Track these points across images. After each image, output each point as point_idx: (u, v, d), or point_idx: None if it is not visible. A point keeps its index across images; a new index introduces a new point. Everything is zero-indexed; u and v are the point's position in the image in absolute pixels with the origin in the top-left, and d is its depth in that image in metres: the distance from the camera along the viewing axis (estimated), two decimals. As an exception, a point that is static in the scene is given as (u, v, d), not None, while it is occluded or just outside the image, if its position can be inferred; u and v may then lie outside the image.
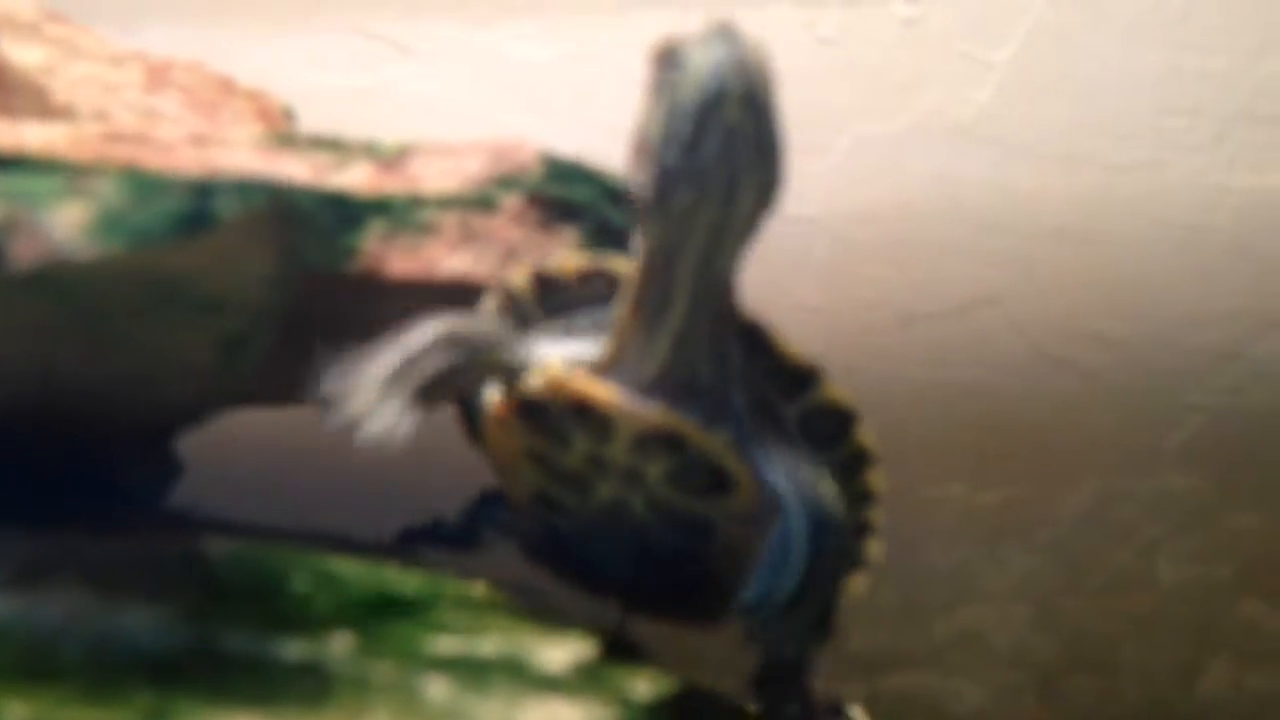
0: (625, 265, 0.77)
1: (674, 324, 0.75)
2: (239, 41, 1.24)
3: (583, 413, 0.75)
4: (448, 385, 0.74)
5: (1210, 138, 1.26)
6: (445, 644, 0.61)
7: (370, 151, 0.79)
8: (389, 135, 1.32)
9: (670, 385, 0.75)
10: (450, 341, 0.74)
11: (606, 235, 0.83)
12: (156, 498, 0.88)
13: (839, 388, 0.82)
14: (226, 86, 1.04)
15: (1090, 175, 1.28)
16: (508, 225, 0.80)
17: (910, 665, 1.28)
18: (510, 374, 0.76)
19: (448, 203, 0.78)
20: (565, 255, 0.79)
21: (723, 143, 0.71)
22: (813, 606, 0.76)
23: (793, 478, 0.76)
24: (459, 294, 0.77)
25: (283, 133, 0.81)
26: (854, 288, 1.25)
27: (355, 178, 0.76)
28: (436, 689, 0.60)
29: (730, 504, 0.76)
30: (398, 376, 0.71)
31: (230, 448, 1.02)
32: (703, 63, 0.71)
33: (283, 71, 1.25)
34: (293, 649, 0.58)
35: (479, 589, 0.72)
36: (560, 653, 0.63)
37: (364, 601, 0.63)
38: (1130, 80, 1.26)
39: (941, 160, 1.33)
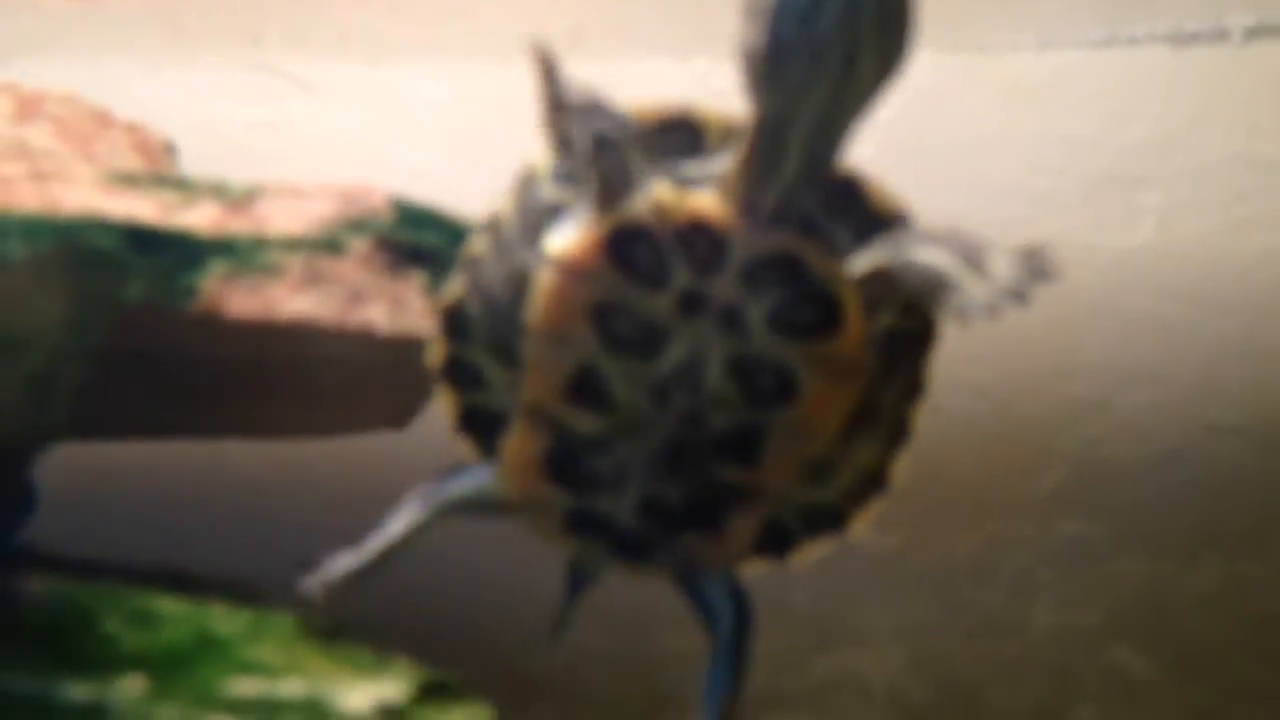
0: (712, 114, 0.75)
1: (785, 182, 0.72)
2: (133, 74, 1.25)
3: (693, 237, 0.71)
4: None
5: (1077, 199, 1.30)
6: (246, 685, 0.61)
7: (218, 192, 0.80)
8: (285, 170, 1.34)
9: (782, 222, 0.72)
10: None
11: (455, 280, 0.85)
12: (5, 531, 0.88)
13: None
14: (103, 119, 1.05)
15: (964, 230, 1.32)
16: (354, 268, 0.81)
17: (790, 707, 1.30)
18: (612, 196, 0.71)
19: (294, 245, 0.79)
20: (644, 101, 0.76)
21: (843, 11, 0.68)
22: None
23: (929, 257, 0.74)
24: (302, 335, 0.79)
25: (129, 171, 0.82)
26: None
27: (200, 217, 0.78)
28: (221, 732, 0.59)
29: (833, 348, 0.73)
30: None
31: (101, 479, 1.03)
32: None
33: (178, 105, 1.27)
34: (79, 691, 0.58)
35: (306, 626, 0.73)
36: (365, 694, 0.64)
37: (175, 642, 0.63)
38: (1003, 142, 1.31)
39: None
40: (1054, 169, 1.32)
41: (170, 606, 0.67)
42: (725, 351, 0.73)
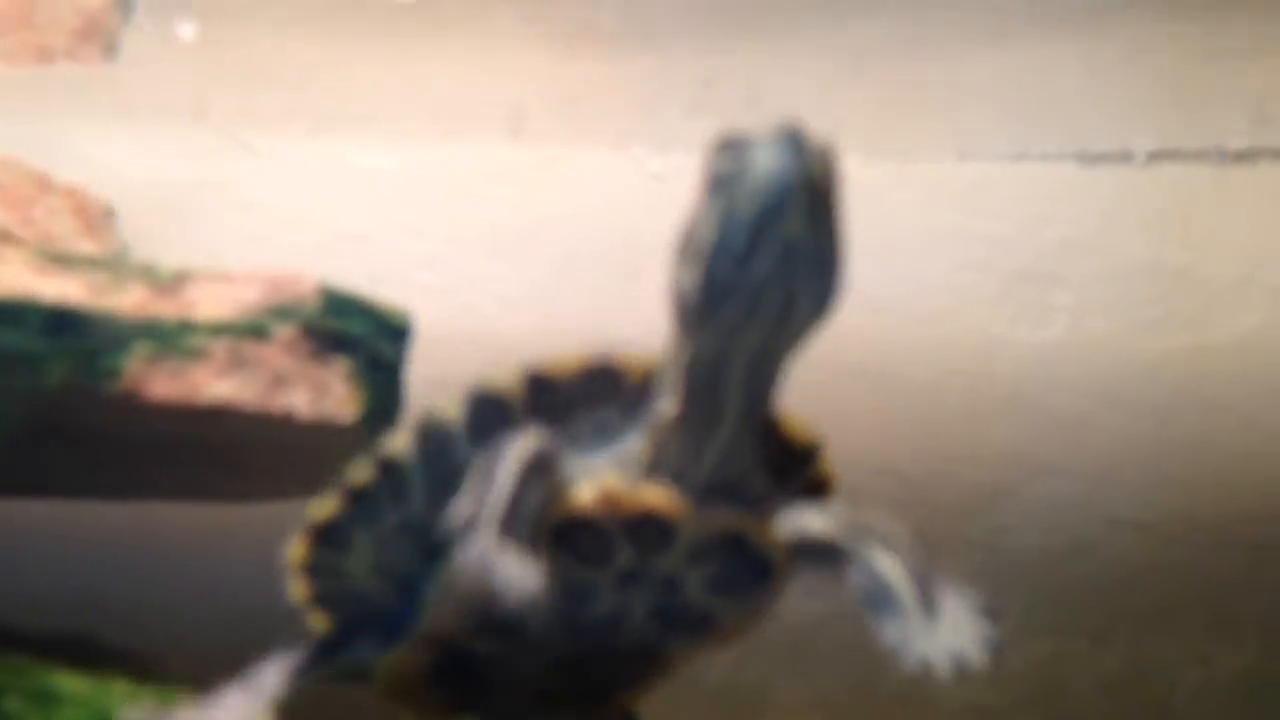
0: (633, 359, 0.72)
1: (723, 436, 0.69)
2: (79, 135, 1.27)
3: (641, 526, 0.69)
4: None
5: (995, 294, 1.35)
6: (143, 769, 0.63)
7: (148, 274, 0.82)
8: (224, 230, 1.36)
9: (717, 487, 0.70)
10: (536, 470, 0.67)
11: (378, 368, 0.87)
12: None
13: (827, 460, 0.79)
14: (42, 183, 1.07)
15: (890, 321, 1.36)
16: (279, 354, 0.83)
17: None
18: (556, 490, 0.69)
19: (219, 329, 0.82)
20: (565, 353, 0.72)
21: (780, 258, 0.65)
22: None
23: (846, 533, 0.72)
24: (221, 418, 0.81)
25: (56, 251, 0.84)
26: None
27: (129, 299, 0.80)
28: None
29: (760, 595, 0.73)
30: (504, 522, 0.65)
31: (11, 537, 1.03)
32: (766, 168, 0.64)
33: (121, 164, 1.28)
34: (-26, 776, 0.59)
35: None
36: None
37: (76, 722, 0.64)
38: (926, 239, 1.36)
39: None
40: (973, 265, 1.37)
41: (73, 685, 0.68)
42: (653, 604, 0.73)
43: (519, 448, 0.68)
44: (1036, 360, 1.35)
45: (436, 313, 1.06)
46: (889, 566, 0.71)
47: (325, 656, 0.79)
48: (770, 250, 0.65)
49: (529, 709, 0.79)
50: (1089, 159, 1.32)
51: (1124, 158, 1.32)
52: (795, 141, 0.65)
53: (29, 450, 0.77)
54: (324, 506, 0.77)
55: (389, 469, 0.74)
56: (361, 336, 0.86)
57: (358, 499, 0.76)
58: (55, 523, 1.11)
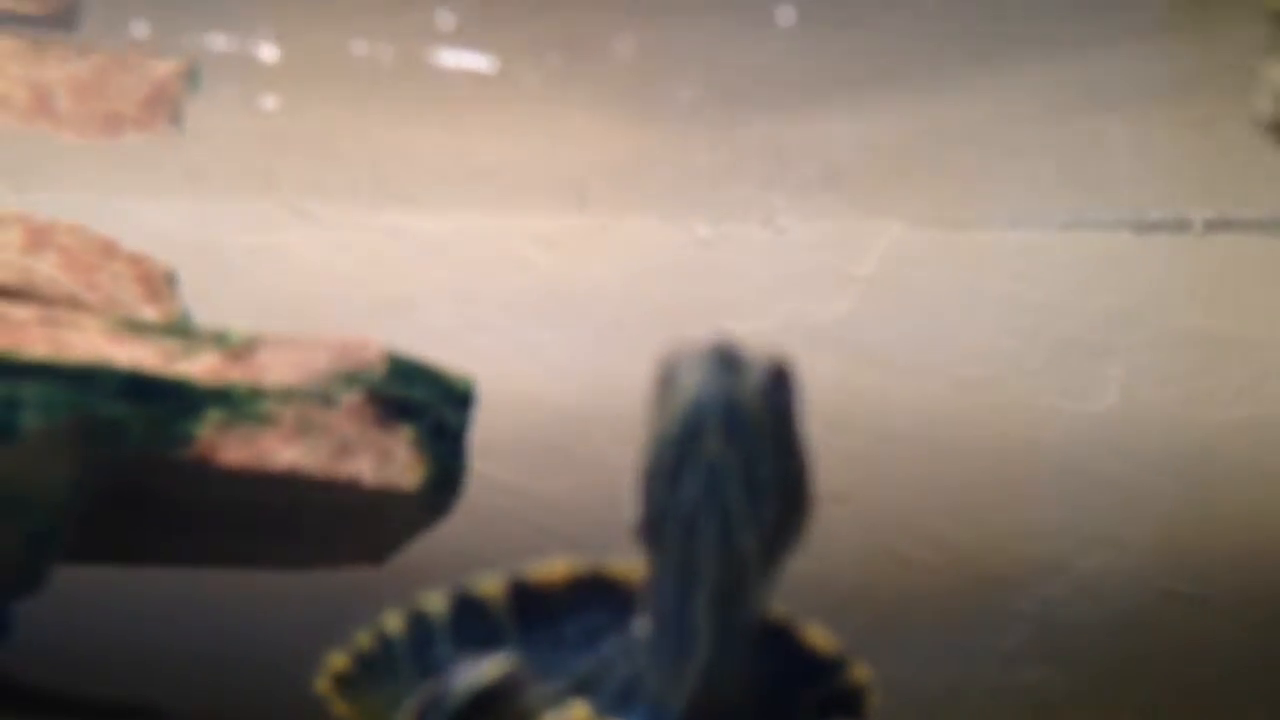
0: (625, 570, 0.68)
1: (699, 662, 0.65)
2: (143, 206, 1.29)
3: None
4: None
5: (1044, 363, 1.35)
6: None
7: (219, 340, 0.83)
8: (278, 292, 1.37)
9: (702, 716, 0.65)
10: (487, 704, 0.64)
11: (443, 435, 0.88)
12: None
13: (860, 669, 0.73)
14: (108, 249, 1.08)
15: (935, 386, 1.36)
16: (345, 420, 0.84)
17: None
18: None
19: (288, 395, 0.82)
20: (550, 562, 0.70)
21: (705, 481, 0.62)
22: None
23: None
24: (290, 483, 0.81)
25: (129, 318, 0.85)
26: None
27: (200, 366, 0.81)
28: None
29: None
30: None
31: (72, 611, 1.04)
32: (686, 386, 0.61)
33: (182, 231, 1.31)
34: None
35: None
36: None
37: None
38: (974, 302, 1.36)
39: (800, 361, 1.41)
40: (1022, 333, 1.37)
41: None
42: None
43: (466, 684, 0.65)
44: (1087, 430, 1.34)
45: (485, 378, 1.07)
46: None
47: None
48: (694, 473, 0.62)
49: None
50: (1144, 228, 1.33)
51: (1180, 226, 1.32)
52: (721, 360, 0.61)
53: (101, 517, 0.78)
54: (339, 658, 0.75)
55: (386, 644, 0.73)
56: (426, 403, 0.87)
57: (362, 662, 0.74)
58: (113, 588, 1.11)
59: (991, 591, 1.32)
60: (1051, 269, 1.35)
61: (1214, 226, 1.32)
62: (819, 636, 0.70)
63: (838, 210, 1.33)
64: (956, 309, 1.36)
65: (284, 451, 0.81)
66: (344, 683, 0.74)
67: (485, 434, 1.02)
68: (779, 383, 0.64)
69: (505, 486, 1.31)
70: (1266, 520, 1.30)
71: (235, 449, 0.80)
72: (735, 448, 0.62)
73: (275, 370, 0.83)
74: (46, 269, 1.01)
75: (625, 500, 0.65)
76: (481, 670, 0.66)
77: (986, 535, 1.34)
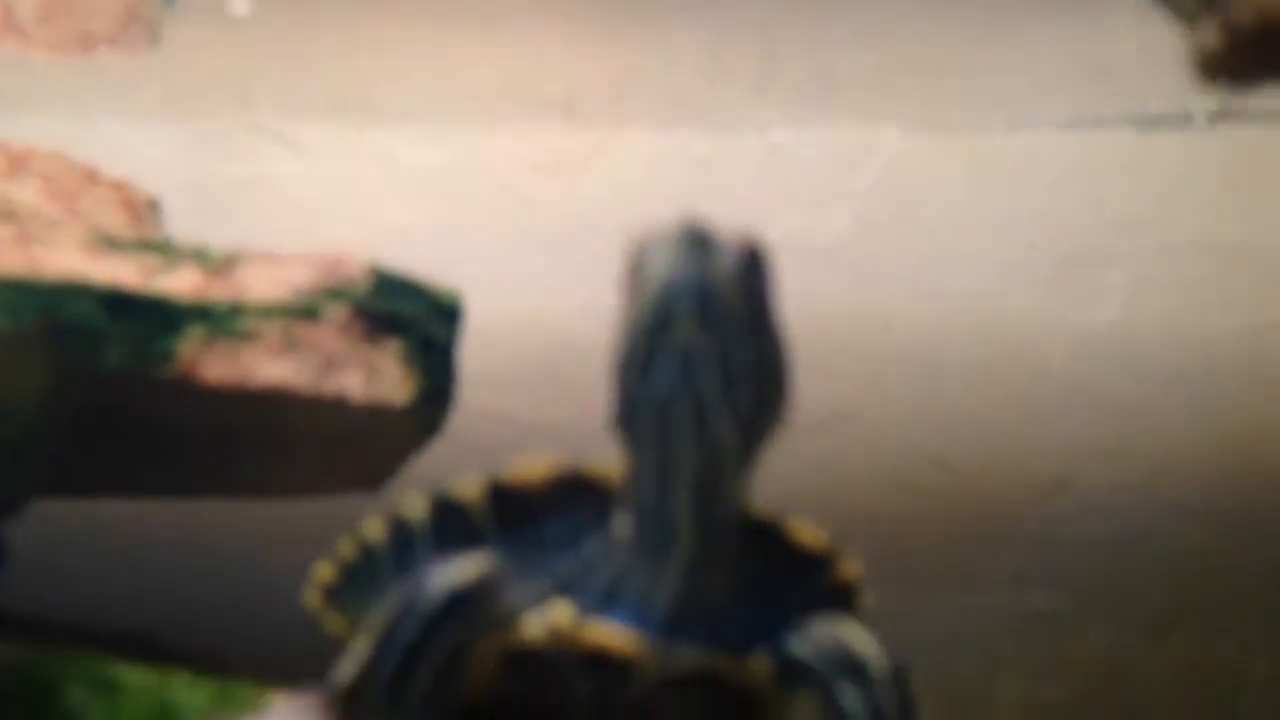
0: (604, 471, 0.67)
1: (681, 557, 0.65)
2: (123, 132, 1.27)
3: (595, 662, 0.64)
4: (461, 668, 0.63)
5: (1045, 274, 1.33)
6: (208, 756, 0.62)
7: (199, 257, 0.82)
8: (268, 227, 1.35)
9: (689, 614, 0.65)
10: (459, 609, 0.63)
11: (431, 350, 0.86)
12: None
13: (850, 565, 0.73)
14: (89, 176, 1.06)
15: (935, 304, 1.34)
16: (331, 336, 0.82)
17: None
18: (500, 621, 0.64)
19: (271, 311, 0.81)
20: (529, 461, 0.68)
21: (679, 367, 0.61)
22: None
23: (824, 659, 0.67)
24: (277, 401, 0.80)
25: (108, 234, 0.83)
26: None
27: (181, 282, 0.79)
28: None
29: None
30: (407, 682, 0.61)
31: (66, 538, 1.03)
32: (656, 271, 0.60)
33: (166, 161, 1.28)
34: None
35: (269, 698, 0.73)
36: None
37: (141, 713, 0.63)
38: (973, 216, 1.34)
39: (799, 281, 1.39)
40: (1023, 244, 1.34)
41: (134, 677, 0.67)
42: None
43: (440, 585, 0.63)
44: (1090, 342, 1.32)
45: (479, 306, 1.05)
46: (856, 707, 0.67)
47: None
48: (667, 360, 0.61)
49: None
50: (1146, 123, 1.29)
51: (1183, 120, 1.28)
52: (692, 243, 0.60)
53: (83, 444, 0.76)
54: (325, 569, 0.74)
55: (368, 552, 0.72)
56: (413, 317, 0.85)
57: (347, 571, 0.73)
58: (115, 522, 1.10)
59: (997, 513, 1.31)
60: (1052, 174, 1.32)
61: (1218, 118, 1.28)
62: (807, 533, 0.69)
63: (833, 115, 1.30)
64: (956, 221, 1.34)
65: (268, 368, 0.79)
66: (331, 594, 0.73)
67: (481, 364, 1.00)
68: (753, 265, 0.62)
69: (503, 416, 1.29)
70: (1273, 431, 1.29)
71: (218, 366, 0.78)
72: (708, 333, 0.60)
73: (257, 286, 0.82)
74: (27, 195, 0.99)
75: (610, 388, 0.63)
76: (457, 570, 0.64)
77: (989, 455, 1.32)
